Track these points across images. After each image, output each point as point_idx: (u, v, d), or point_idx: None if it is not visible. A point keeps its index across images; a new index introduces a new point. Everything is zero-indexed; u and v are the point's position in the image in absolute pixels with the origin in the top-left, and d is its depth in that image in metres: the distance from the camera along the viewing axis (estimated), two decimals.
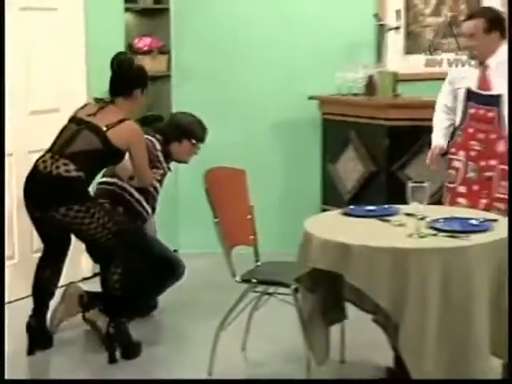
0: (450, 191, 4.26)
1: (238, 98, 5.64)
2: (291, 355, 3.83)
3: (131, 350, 3.87)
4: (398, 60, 5.37)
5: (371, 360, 3.80)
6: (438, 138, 4.35)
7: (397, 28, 5.28)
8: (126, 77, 3.90)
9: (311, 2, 5.41)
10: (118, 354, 3.85)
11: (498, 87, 4.14)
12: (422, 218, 3.17)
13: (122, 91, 3.89)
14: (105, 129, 3.75)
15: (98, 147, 3.76)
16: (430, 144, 4.42)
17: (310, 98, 5.28)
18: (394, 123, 4.79)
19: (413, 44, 5.42)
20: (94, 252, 4.24)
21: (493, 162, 4.17)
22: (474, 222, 3.23)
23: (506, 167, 4.10)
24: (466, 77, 4.23)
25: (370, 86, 5.16)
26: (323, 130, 5.36)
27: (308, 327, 3.33)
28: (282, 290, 3.61)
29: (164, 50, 5.57)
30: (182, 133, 4.35)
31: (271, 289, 3.74)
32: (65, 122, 3.92)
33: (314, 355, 3.34)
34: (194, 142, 4.39)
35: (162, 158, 4.32)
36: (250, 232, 3.83)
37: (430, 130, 4.65)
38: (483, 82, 4.22)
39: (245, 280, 3.65)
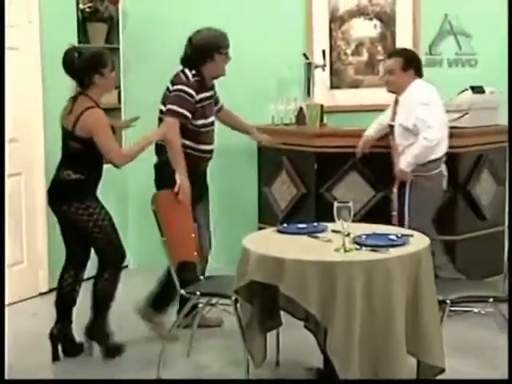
0: None
1: None
2: (231, 359, 3.82)
3: (111, 350, 3.85)
4: (324, 94, 5.41)
5: (303, 362, 3.81)
6: (370, 130, 4.56)
7: (323, 66, 5.34)
8: (75, 68, 3.74)
9: (248, 42, 5.44)
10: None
11: (398, 120, 4.30)
12: (347, 235, 3.21)
13: (80, 82, 3.76)
14: (71, 128, 3.70)
15: (77, 147, 3.72)
16: (354, 168, 4.48)
17: None
18: (322, 150, 4.83)
19: (337, 80, 5.48)
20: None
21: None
22: (392, 237, 3.27)
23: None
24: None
25: (300, 117, 5.21)
26: (259, 156, 5.38)
27: (246, 334, 3.33)
28: (223, 301, 3.61)
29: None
30: (211, 49, 4.06)
31: (213, 300, 3.73)
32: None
33: (252, 358, 3.34)
34: (223, 51, 4.12)
35: (203, 103, 4.10)
36: (194, 249, 3.82)
37: (353, 155, 4.72)
38: (393, 114, 4.34)
39: (190, 292, 3.64)
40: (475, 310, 3.65)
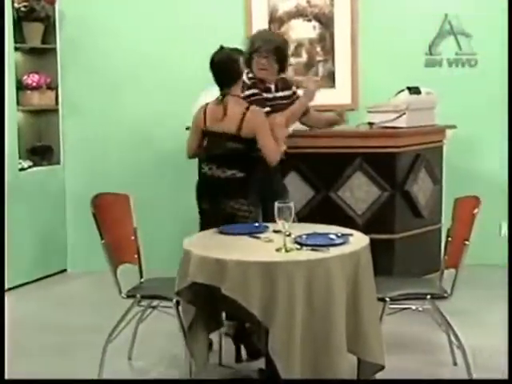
0: None
1: (124, 128, 5.60)
2: (174, 361, 3.81)
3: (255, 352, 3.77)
4: None
5: (245, 362, 3.81)
6: None
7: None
8: (228, 69, 3.84)
9: (188, 43, 5.43)
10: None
11: None
12: (288, 235, 3.23)
13: (227, 82, 3.83)
14: (235, 130, 3.77)
15: (239, 147, 3.79)
16: (294, 168, 4.48)
17: (188, 128, 5.27)
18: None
19: None
20: None
21: None
22: (332, 236, 3.30)
23: None
24: None
25: None
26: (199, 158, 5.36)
27: (189, 336, 3.32)
28: (164, 303, 3.59)
29: (52, 86, 5.48)
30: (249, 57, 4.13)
31: (155, 302, 3.71)
32: None
33: (194, 360, 3.33)
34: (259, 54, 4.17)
35: (265, 94, 4.16)
36: (134, 251, 3.79)
37: (293, 156, 4.74)
38: None
39: (130, 295, 3.61)
40: (413, 308, 3.71)
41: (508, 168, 3.97)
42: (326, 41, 5.45)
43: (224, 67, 3.84)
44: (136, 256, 3.79)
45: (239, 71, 3.87)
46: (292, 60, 5.45)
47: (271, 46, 4.15)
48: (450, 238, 3.56)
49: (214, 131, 3.87)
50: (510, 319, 3.04)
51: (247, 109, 3.79)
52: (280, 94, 4.32)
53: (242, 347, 3.83)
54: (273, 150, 3.81)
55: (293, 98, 4.36)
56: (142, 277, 3.81)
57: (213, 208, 3.89)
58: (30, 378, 3.60)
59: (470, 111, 5.35)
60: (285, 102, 4.30)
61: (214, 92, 4.11)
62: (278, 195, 3.92)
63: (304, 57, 5.49)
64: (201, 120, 3.92)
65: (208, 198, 3.92)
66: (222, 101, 3.84)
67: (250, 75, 4.19)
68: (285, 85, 4.36)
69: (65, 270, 5.51)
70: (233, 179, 3.85)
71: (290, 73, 5.45)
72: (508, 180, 3.85)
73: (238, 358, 3.82)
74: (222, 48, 3.91)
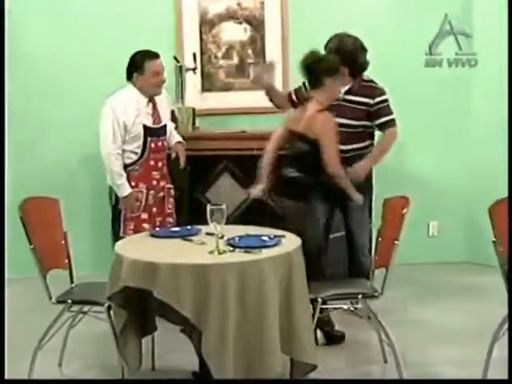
0: (134, 220, 4.33)
1: (51, 129, 5.51)
2: (106, 366, 3.77)
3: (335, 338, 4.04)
4: (195, 97, 5.44)
5: (179, 366, 3.81)
6: None
7: (194, 69, 5.35)
8: (314, 69, 3.87)
9: (118, 45, 5.38)
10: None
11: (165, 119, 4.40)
12: (221, 237, 3.24)
13: (315, 84, 3.89)
14: (303, 130, 3.86)
15: (304, 148, 3.85)
16: (226, 170, 4.50)
17: None
18: (194, 153, 4.85)
19: (208, 83, 5.53)
20: None
21: (162, 183, 4.39)
22: (265, 238, 3.32)
23: (172, 186, 4.43)
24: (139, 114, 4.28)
25: (173, 120, 5.19)
26: None
27: (121, 340, 3.29)
28: (96, 308, 3.54)
29: None
30: (331, 72, 3.97)
31: (86, 308, 3.66)
32: None
33: (127, 365, 3.30)
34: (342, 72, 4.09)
35: None
36: (65, 256, 3.73)
37: (225, 158, 4.76)
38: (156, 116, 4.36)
39: (60, 301, 3.55)
40: (345, 307, 3.77)
41: (508, 168, 4.04)
42: (257, 43, 5.49)
43: (308, 71, 3.92)
44: (66, 261, 3.73)
45: (321, 78, 3.88)
46: (223, 62, 5.48)
47: (343, 57, 4.08)
48: (380, 239, 3.62)
49: (292, 131, 3.98)
50: (510, 319, 3.12)
51: (319, 111, 3.85)
52: (351, 97, 4.22)
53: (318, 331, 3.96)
54: (332, 158, 3.82)
55: (370, 106, 4.22)
56: (72, 282, 3.75)
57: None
58: (29, 378, 3.54)
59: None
60: (354, 106, 4.22)
61: (123, 95, 4.22)
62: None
63: (235, 59, 5.51)
64: (287, 120, 4.07)
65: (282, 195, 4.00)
66: (306, 102, 3.96)
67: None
68: (364, 91, 4.23)
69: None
70: (297, 179, 3.92)
71: (221, 75, 5.50)
72: (508, 180, 3.95)
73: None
74: (312, 52, 3.97)
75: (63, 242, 3.73)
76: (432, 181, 5.48)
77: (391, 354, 3.61)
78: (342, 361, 3.88)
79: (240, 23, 5.47)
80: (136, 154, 4.28)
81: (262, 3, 5.45)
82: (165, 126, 4.41)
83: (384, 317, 3.75)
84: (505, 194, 3.67)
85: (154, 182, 4.36)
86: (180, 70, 5.25)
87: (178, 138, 4.63)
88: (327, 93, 3.90)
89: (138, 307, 3.34)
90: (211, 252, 3.15)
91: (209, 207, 3.18)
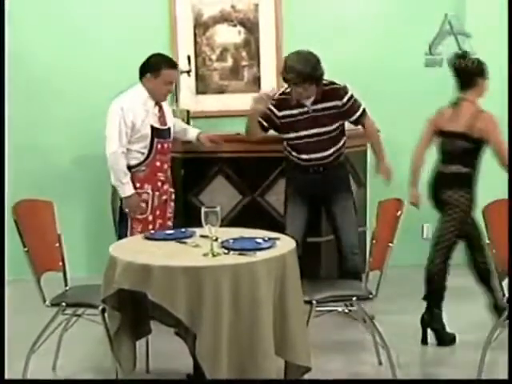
0: (141, 222, 4.32)
1: (39, 134, 5.52)
2: (100, 369, 3.78)
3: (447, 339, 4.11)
4: (190, 99, 5.45)
5: (173, 368, 3.82)
6: None
7: (188, 71, 5.36)
8: (467, 70, 4.11)
9: (113, 49, 5.39)
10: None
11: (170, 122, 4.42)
12: (215, 239, 3.24)
13: (469, 85, 4.10)
14: (463, 130, 4.03)
15: (467, 147, 4.05)
16: (220, 173, 4.48)
17: None
18: (188, 155, 4.85)
19: (202, 85, 5.53)
20: None
21: (166, 187, 4.41)
22: (259, 240, 3.33)
23: (173, 190, 4.45)
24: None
25: None
26: None
27: (115, 343, 3.30)
28: (90, 310, 3.55)
29: None
30: (483, 73, 4.21)
31: (80, 310, 3.66)
32: None
33: (121, 367, 3.31)
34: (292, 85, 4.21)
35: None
36: (59, 259, 3.74)
37: (219, 160, 4.77)
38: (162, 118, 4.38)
39: (54, 304, 3.56)
40: (339, 309, 3.78)
41: (508, 168, 4.12)
42: (251, 46, 5.50)
43: (459, 73, 4.14)
44: (60, 263, 3.73)
45: (473, 79, 4.11)
46: (217, 65, 5.49)
47: (302, 78, 4.11)
48: (374, 241, 3.64)
49: (447, 131, 4.12)
50: (510, 319, 3.13)
51: (479, 112, 4.05)
52: (318, 106, 4.26)
53: (429, 331, 4.13)
54: (506, 152, 4.02)
55: (340, 108, 4.29)
56: (66, 284, 3.76)
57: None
58: (29, 378, 3.54)
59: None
60: (326, 113, 4.27)
61: (128, 97, 4.23)
62: None
63: (229, 62, 5.52)
64: (437, 121, 4.19)
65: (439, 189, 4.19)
66: (457, 104, 4.12)
67: (285, 90, 4.29)
68: (329, 95, 4.28)
69: None
70: (457, 173, 4.11)
71: (215, 77, 5.51)
72: (508, 181, 4.02)
73: (424, 340, 4.14)
74: (463, 54, 4.20)
75: (57, 244, 3.73)
76: (425, 183, 5.50)
77: (386, 356, 3.63)
78: (336, 362, 3.89)
79: (234, 26, 5.49)
80: (143, 154, 4.29)
81: (256, 6, 5.46)
82: (169, 128, 4.42)
83: (378, 319, 3.76)
84: (499, 196, 3.70)
85: (159, 184, 4.37)
86: None
87: (196, 130, 4.68)
88: (478, 92, 4.12)
89: (133, 309, 3.35)
90: (205, 254, 3.15)
91: (203, 209, 3.19)
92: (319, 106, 4.26)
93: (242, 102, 5.16)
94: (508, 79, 4.41)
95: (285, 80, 4.20)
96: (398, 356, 3.72)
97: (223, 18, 5.48)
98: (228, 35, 5.49)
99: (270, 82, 5.43)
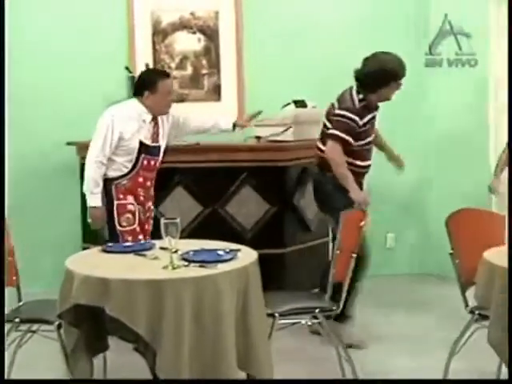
0: (131, 234, 4.20)
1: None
2: None
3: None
4: None
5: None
6: None
7: None
8: None
9: (70, 57, 5.32)
10: None
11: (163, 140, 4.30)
12: (175, 251, 3.18)
13: None
14: None
15: None
16: (180, 184, 4.43)
17: (68, 143, 5.15)
18: None
19: None
20: None
21: (148, 204, 4.30)
22: (220, 252, 3.28)
23: (153, 207, 4.34)
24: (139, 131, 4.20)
25: None
26: (81, 174, 5.22)
27: (71, 359, 3.21)
28: (45, 326, 3.45)
29: None
30: (391, 76, 4.12)
31: (35, 326, 3.56)
32: None
33: None
34: (399, 81, 4.16)
35: (367, 126, 4.18)
36: (12, 273, 3.63)
37: (179, 171, 4.71)
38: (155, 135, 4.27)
39: (8, 320, 3.44)
40: (303, 322, 3.74)
41: (508, 169, 4.13)
42: (211, 53, 5.46)
43: None
44: (14, 278, 3.63)
45: None
46: (177, 73, 5.43)
47: None
48: (338, 251, 3.61)
49: None
50: (510, 320, 3.11)
51: None
52: (376, 112, 4.29)
53: None
54: None
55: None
56: (20, 300, 3.66)
57: None
58: (29, 378, 3.45)
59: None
60: (374, 120, 4.29)
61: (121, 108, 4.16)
62: None
63: (189, 70, 5.46)
64: None
65: None
66: None
67: (361, 96, 4.17)
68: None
69: None
70: None
71: (174, 86, 5.45)
72: (508, 185, 4.03)
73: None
74: None
75: (10, 258, 3.63)
76: (389, 192, 5.51)
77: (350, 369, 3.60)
78: (300, 376, 3.85)
79: (194, 33, 5.44)
80: (127, 167, 4.20)
81: (217, 13, 5.43)
82: (160, 146, 4.30)
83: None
84: (461, 205, 3.70)
85: (142, 199, 4.27)
86: (132, 81, 5.17)
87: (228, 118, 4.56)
88: None
89: (90, 325, 3.26)
90: (165, 267, 3.09)
91: (162, 221, 3.13)
92: (377, 110, 4.30)
93: (202, 111, 5.12)
94: (508, 79, 4.43)
95: (400, 78, 4.17)
96: (363, 367, 3.69)
97: (182, 25, 5.43)
98: (187, 43, 5.44)
99: (231, 90, 5.39)
